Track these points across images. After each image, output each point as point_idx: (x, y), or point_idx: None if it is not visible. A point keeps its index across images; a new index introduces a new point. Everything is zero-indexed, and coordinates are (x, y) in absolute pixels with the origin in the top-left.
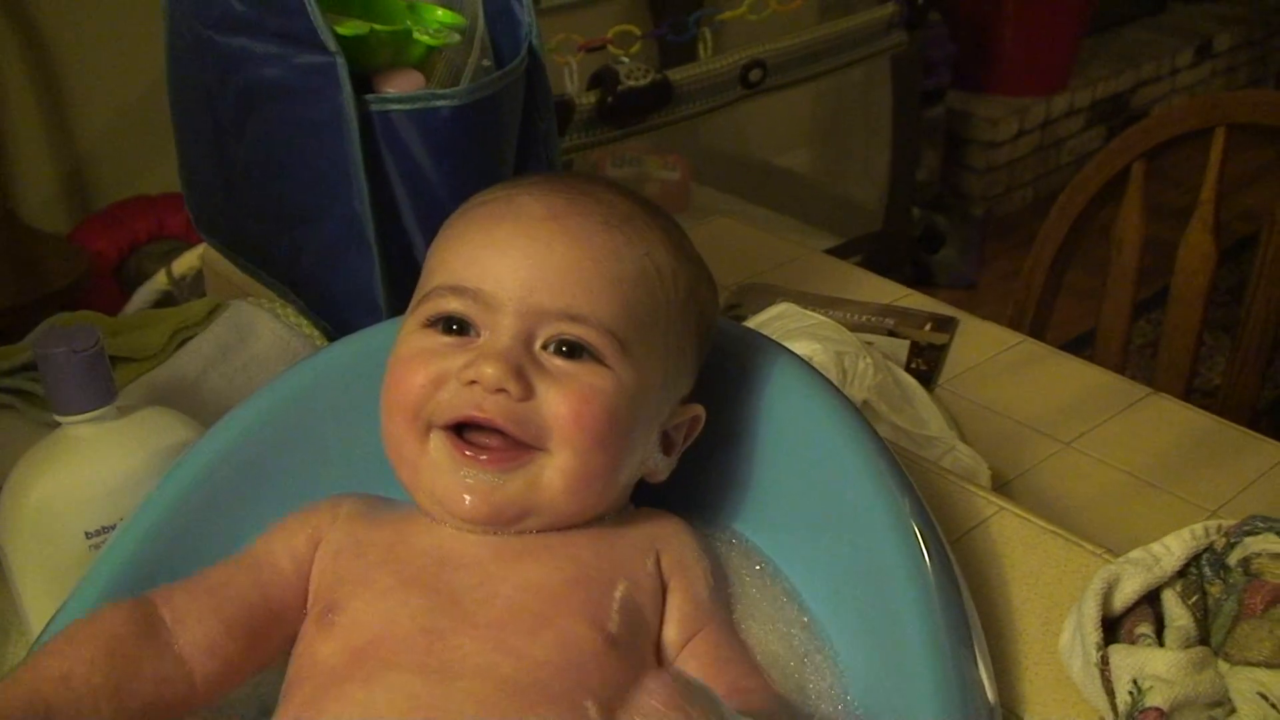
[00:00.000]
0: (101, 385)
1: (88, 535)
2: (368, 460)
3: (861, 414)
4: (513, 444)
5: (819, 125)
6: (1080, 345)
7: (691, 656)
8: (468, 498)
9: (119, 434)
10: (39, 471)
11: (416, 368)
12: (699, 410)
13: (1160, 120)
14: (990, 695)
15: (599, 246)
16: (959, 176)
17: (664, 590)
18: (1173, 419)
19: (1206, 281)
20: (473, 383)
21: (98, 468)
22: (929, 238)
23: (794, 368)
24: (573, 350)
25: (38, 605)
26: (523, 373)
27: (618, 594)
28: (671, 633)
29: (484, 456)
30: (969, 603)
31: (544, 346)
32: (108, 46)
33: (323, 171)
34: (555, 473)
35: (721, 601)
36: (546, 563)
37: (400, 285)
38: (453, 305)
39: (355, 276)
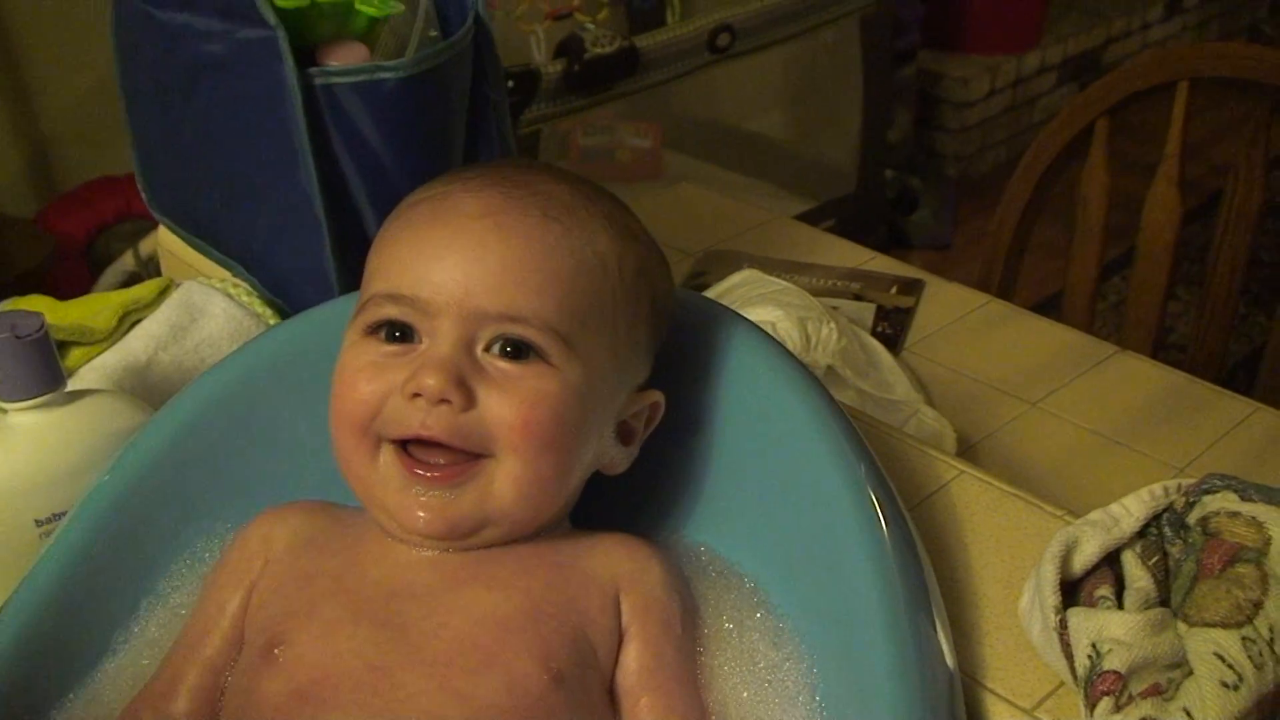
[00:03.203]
0: (47, 370)
1: (37, 523)
2: (319, 441)
3: (819, 382)
4: (460, 457)
5: (790, 89)
6: (1053, 305)
7: (644, 719)
8: (422, 515)
9: (67, 419)
10: None
11: (361, 382)
12: (658, 397)
13: (1123, 75)
14: (949, 662)
15: (536, 242)
16: (932, 137)
17: (622, 635)
18: (1140, 376)
19: (1173, 237)
20: (415, 395)
21: (46, 454)
22: (903, 199)
23: (750, 338)
24: (517, 351)
25: None
26: (464, 381)
27: (568, 631)
28: (626, 681)
29: (434, 474)
30: (928, 568)
31: (486, 349)
32: (68, 28)
33: (269, 148)
34: (506, 481)
35: (686, 653)
36: (497, 592)
37: (351, 261)
38: (391, 312)
39: (306, 254)
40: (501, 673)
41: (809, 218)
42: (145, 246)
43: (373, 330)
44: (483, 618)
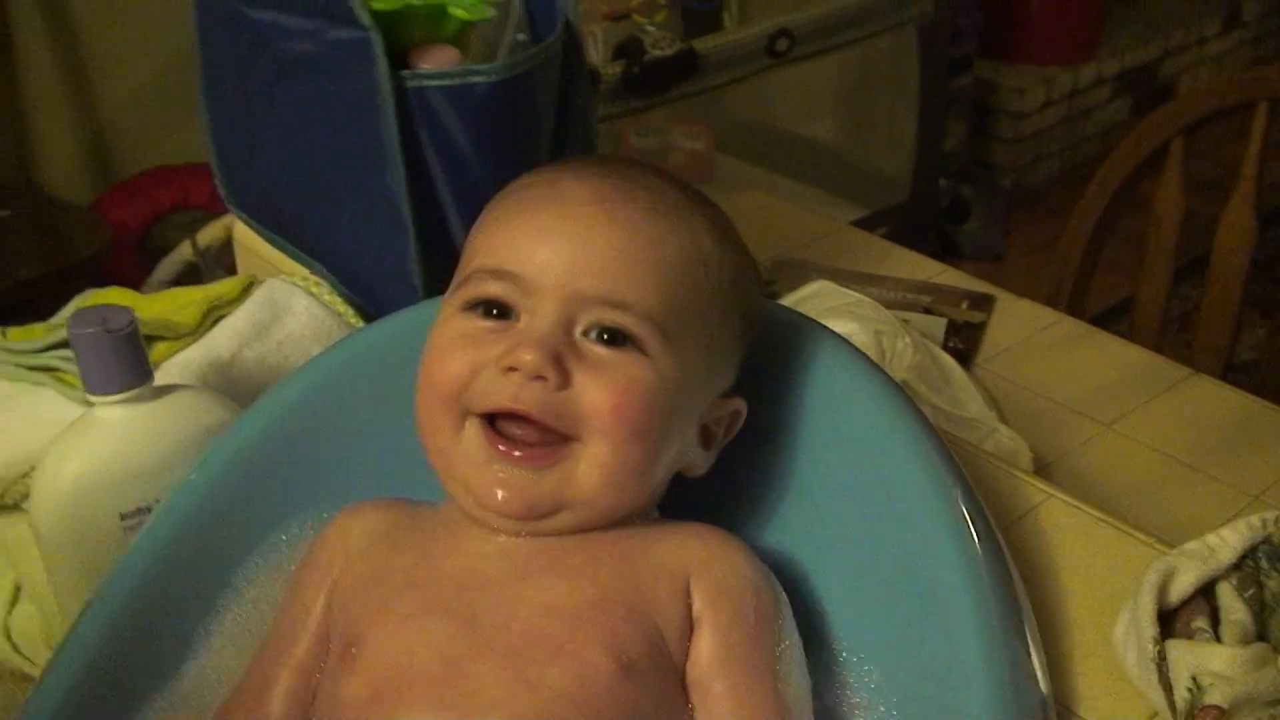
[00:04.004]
0: (136, 365)
1: (123, 517)
2: (404, 445)
3: (907, 396)
4: (547, 439)
5: (845, 95)
6: (1113, 315)
7: (717, 712)
8: (501, 492)
9: (154, 415)
10: (72, 452)
11: (455, 353)
12: (740, 405)
13: (1201, 94)
14: (1043, 687)
15: (644, 233)
16: (986, 147)
17: (693, 624)
18: (1213, 401)
19: (1246, 259)
20: (510, 370)
21: (132, 449)
22: (955, 209)
23: (836, 348)
24: (614, 338)
25: (70, 588)
26: (561, 360)
27: (639, 620)
28: (698, 670)
29: (518, 453)
30: (1021, 592)
31: (584, 333)
32: (130, 16)
33: (357, 149)
34: (591, 466)
35: (761, 644)
36: (568, 582)
37: (436, 265)
38: (493, 289)
39: (390, 256)
40: (571, 663)
41: (861, 225)
42: (202, 237)
43: (471, 306)
44: (552, 607)
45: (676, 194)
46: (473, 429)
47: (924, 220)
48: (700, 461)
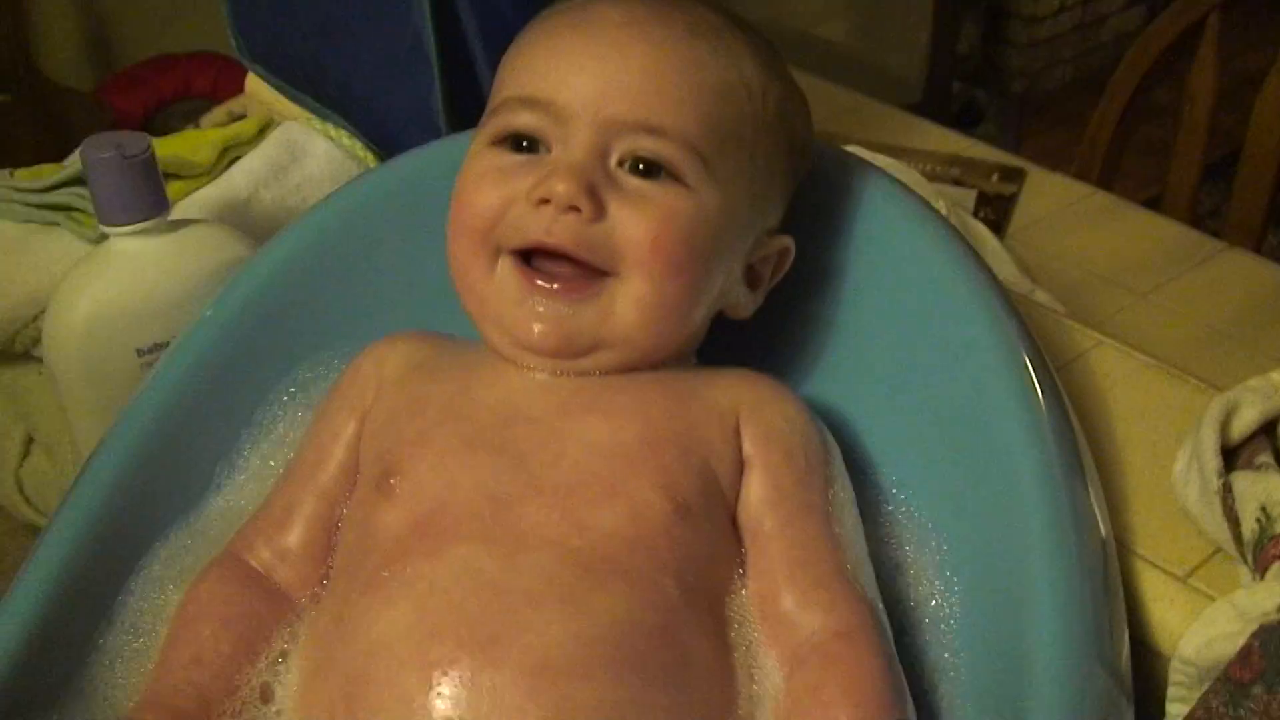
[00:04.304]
0: (152, 194)
1: (139, 352)
2: (430, 282)
3: (963, 236)
4: (584, 273)
5: None
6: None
7: (769, 550)
8: (537, 326)
9: (170, 248)
10: (87, 285)
11: (485, 188)
12: (788, 243)
13: None
14: (1103, 528)
15: (682, 54)
16: (999, 51)
17: (744, 464)
18: (1250, 273)
19: None
20: (543, 202)
21: (149, 282)
22: (968, 112)
23: (889, 187)
24: (650, 168)
25: (85, 425)
26: (595, 190)
27: (691, 460)
28: (749, 511)
29: (554, 286)
30: (1079, 433)
31: (620, 163)
32: None
33: None
34: (629, 302)
35: (811, 485)
36: (615, 419)
37: (463, 108)
38: (523, 119)
39: (414, 96)
40: (624, 503)
41: None
42: (205, 123)
43: (500, 139)
44: (601, 446)
45: (716, 17)
46: (506, 266)
47: (936, 122)
48: (746, 302)
